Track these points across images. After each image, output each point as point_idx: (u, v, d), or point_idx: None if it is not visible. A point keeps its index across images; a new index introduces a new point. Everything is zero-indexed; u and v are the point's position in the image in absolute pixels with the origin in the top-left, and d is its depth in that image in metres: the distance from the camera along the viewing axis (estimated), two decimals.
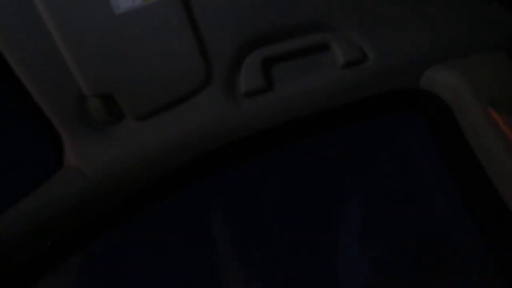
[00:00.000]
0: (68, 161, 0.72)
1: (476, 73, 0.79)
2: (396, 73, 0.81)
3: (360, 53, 0.77)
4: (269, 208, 1.01)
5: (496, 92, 0.76)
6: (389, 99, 0.85)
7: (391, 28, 0.78)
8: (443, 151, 0.88)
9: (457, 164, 0.84)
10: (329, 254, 0.97)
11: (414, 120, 0.97)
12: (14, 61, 0.65)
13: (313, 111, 0.81)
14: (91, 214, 0.75)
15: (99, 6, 0.65)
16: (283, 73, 0.78)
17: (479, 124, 0.74)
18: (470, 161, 0.76)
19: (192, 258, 0.98)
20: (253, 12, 0.72)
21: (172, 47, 0.70)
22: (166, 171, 0.78)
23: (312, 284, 0.95)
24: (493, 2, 0.80)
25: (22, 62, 0.65)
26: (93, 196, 0.73)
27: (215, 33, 0.71)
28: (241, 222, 1.01)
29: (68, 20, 0.65)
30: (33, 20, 0.64)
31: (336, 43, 0.77)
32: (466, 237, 0.93)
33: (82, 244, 0.80)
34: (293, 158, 1.02)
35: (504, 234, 0.73)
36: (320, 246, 0.98)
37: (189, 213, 0.99)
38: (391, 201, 1.01)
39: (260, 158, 0.91)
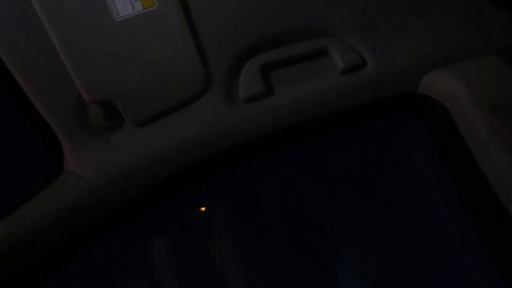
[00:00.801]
0: (68, 167, 0.73)
1: (475, 77, 0.79)
2: (395, 78, 0.81)
3: (359, 59, 0.78)
4: (268, 213, 1.01)
5: (495, 96, 0.76)
6: (388, 104, 0.85)
7: (390, 33, 0.78)
8: (443, 155, 0.88)
9: (456, 168, 0.84)
10: (329, 254, 0.97)
11: (413, 125, 0.97)
12: (14, 68, 0.65)
13: (312, 116, 0.81)
14: (91, 219, 0.75)
15: (99, 13, 0.65)
16: (282, 79, 0.78)
17: (478, 128, 0.74)
18: (470, 165, 0.76)
19: (191, 262, 0.98)
20: (252, 18, 0.72)
21: (171, 53, 0.70)
22: (165, 176, 0.78)
23: (312, 284, 0.95)
24: (491, 7, 0.80)
25: (22, 68, 0.66)
26: (93, 201, 0.73)
27: (214, 40, 0.72)
28: (240, 228, 1.01)
29: (68, 27, 0.65)
30: (34, 27, 0.64)
31: (335, 49, 0.77)
32: (466, 241, 0.93)
33: (82, 249, 0.80)
34: (292, 163, 1.02)
35: (504, 237, 0.73)
36: (320, 247, 0.98)
37: (188, 218, 0.99)
38: (391, 204, 1.01)
39: (259, 163, 0.91)
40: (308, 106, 0.80)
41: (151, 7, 0.67)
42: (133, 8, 0.66)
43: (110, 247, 0.89)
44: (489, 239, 0.78)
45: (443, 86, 0.80)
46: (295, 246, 1.00)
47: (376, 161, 1.04)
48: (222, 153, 0.79)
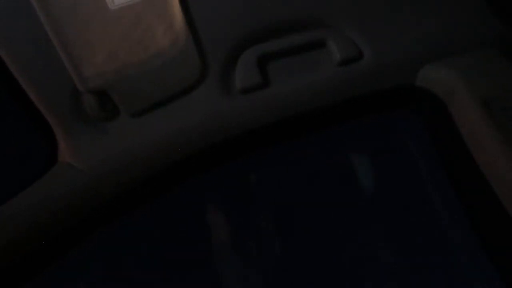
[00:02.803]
0: (62, 158, 0.72)
1: (472, 70, 0.79)
2: (392, 71, 0.81)
3: (356, 50, 0.77)
4: (264, 205, 1.01)
5: (491, 90, 0.76)
6: (385, 96, 0.85)
7: (387, 25, 0.78)
8: (439, 148, 0.88)
9: (452, 161, 0.84)
10: (328, 253, 0.97)
11: (410, 118, 0.97)
12: (8, 57, 0.65)
13: (308, 108, 0.81)
14: (86, 210, 0.75)
15: (94, 1, 0.64)
16: (279, 70, 0.78)
17: (475, 122, 0.74)
18: (466, 159, 0.76)
19: (188, 254, 0.98)
20: (249, 9, 0.72)
21: (167, 43, 0.69)
22: (161, 168, 0.77)
23: (311, 284, 0.95)
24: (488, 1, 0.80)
25: (16, 58, 0.65)
26: (88, 192, 0.73)
27: (211, 29, 0.71)
28: (237, 219, 1.01)
29: (63, 16, 0.64)
30: (27, 15, 0.63)
31: (332, 40, 0.77)
32: (462, 235, 0.94)
33: (77, 241, 0.79)
34: (287, 155, 1.01)
35: (499, 231, 0.73)
36: (318, 245, 0.99)
37: (184, 210, 0.99)
38: (387, 199, 1.01)
39: (256, 154, 0.91)
40: (304, 97, 0.80)
41: None
42: None
43: (105, 239, 0.89)
44: (484, 231, 0.78)
45: (440, 79, 0.80)
46: (293, 240, 1.00)
47: (372, 153, 1.04)
48: (219, 144, 0.78)
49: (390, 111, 0.92)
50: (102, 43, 0.67)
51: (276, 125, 0.81)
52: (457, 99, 0.78)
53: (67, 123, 0.70)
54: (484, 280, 0.89)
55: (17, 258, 0.71)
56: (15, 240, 0.69)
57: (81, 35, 0.66)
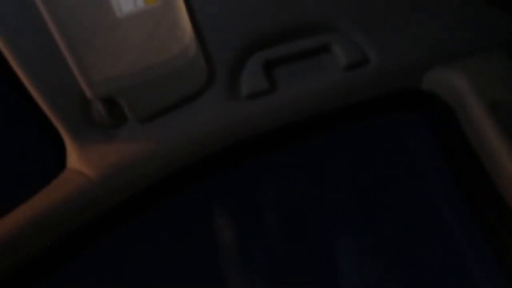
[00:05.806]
0: (70, 164, 0.73)
1: (478, 73, 0.79)
2: (398, 74, 0.81)
3: (362, 55, 0.78)
4: (271, 211, 1.01)
5: (498, 93, 0.76)
6: (390, 100, 0.85)
7: (393, 29, 0.78)
8: (445, 152, 0.88)
9: (459, 165, 0.84)
10: (329, 254, 0.97)
11: (415, 121, 0.97)
12: (16, 64, 0.65)
13: (315, 113, 0.81)
14: (94, 216, 0.75)
15: (101, 9, 0.65)
16: (285, 75, 0.78)
17: (481, 125, 0.74)
18: (472, 162, 0.76)
19: (194, 259, 0.98)
20: (255, 14, 0.72)
21: (174, 49, 0.70)
22: (168, 173, 0.78)
23: (311, 284, 0.95)
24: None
25: (24, 65, 0.65)
26: (96, 198, 0.73)
27: (217, 35, 0.72)
28: (243, 225, 1.01)
29: (70, 23, 0.65)
30: (35, 22, 0.64)
31: (338, 45, 0.77)
32: (468, 237, 0.93)
33: (84, 246, 0.80)
34: (294, 160, 1.01)
35: (506, 234, 0.73)
36: (320, 247, 0.98)
37: (191, 215, 0.99)
38: (392, 203, 1.01)
39: (262, 160, 0.91)
40: (310, 102, 0.80)
41: (153, 3, 0.66)
42: (135, 4, 0.66)
43: (112, 245, 0.89)
44: (492, 238, 0.78)
45: (446, 82, 0.80)
46: (297, 245, 1.00)
47: (377, 157, 1.04)
48: (225, 149, 0.79)
49: (395, 115, 0.92)
50: (110, 50, 0.67)
51: (282, 129, 0.81)
52: (464, 102, 0.78)
53: (76, 129, 0.70)
54: (491, 283, 0.89)
55: (24, 262, 0.71)
56: (22, 245, 0.69)
57: (88, 42, 0.66)
